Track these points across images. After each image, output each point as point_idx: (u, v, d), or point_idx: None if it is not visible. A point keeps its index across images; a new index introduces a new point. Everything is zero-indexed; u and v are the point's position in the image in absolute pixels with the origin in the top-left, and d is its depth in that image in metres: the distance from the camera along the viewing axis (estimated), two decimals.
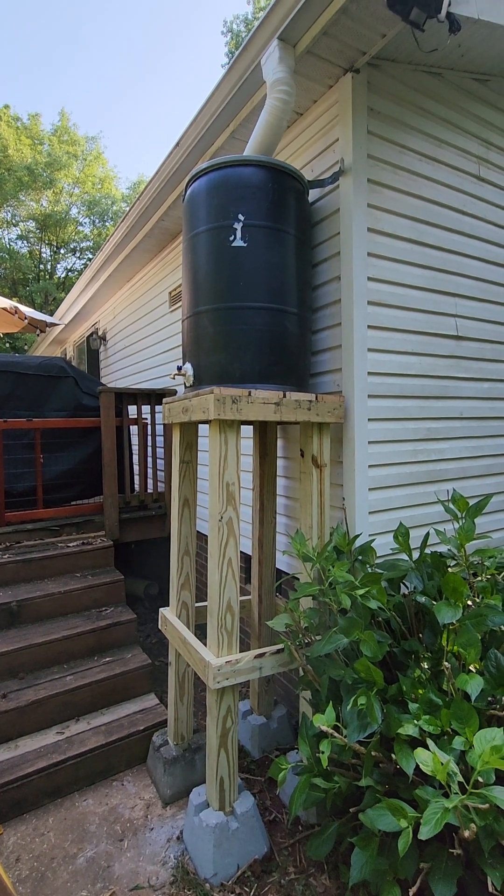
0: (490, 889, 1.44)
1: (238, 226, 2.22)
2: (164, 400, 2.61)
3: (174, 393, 4.22)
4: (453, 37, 2.32)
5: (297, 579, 2.64)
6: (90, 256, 23.02)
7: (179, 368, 2.42)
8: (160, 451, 4.73)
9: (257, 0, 20.71)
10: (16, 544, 3.77)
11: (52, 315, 10.09)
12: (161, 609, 2.73)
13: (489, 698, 1.75)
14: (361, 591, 1.87)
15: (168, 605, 3.15)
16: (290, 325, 2.30)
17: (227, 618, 2.07)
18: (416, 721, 1.60)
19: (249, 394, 2.07)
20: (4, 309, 5.08)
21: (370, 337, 2.46)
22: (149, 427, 4.59)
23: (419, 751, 1.39)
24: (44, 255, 23.25)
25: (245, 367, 2.22)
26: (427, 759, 1.37)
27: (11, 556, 3.51)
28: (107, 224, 23.00)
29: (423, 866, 1.55)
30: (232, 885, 1.98)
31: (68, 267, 23.67)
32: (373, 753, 1.68)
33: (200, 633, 2.69)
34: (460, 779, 1.39)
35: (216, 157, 2.63)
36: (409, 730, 1.56)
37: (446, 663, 1.72)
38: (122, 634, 3.31)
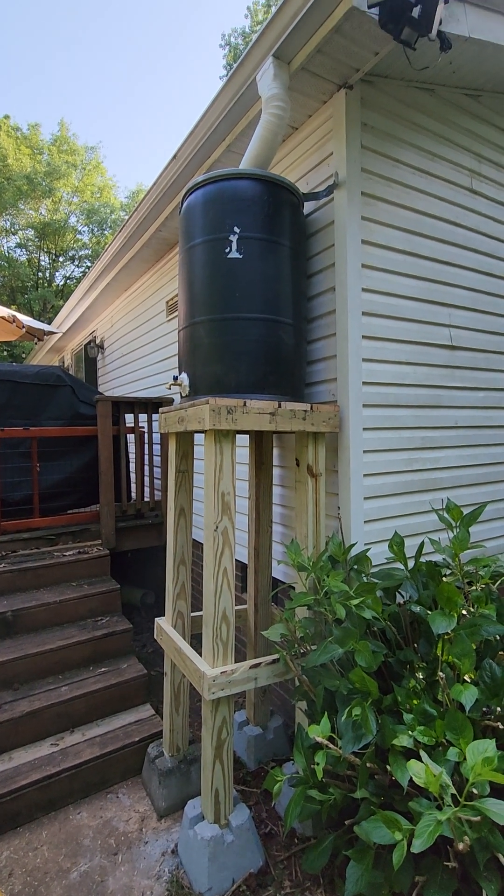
0: None
1: (234, 238, 2.24)
2: (161, 409, 2.61)
3: (171, 402, 4.23)
4: (444, 55, 2.37)
5: (294, 588, 2.64)
6: (89, 265, 23.14)
7: (175, 378, 2.43)
8: (157, 460, 4.73)
9: (255, 14, 21.07)
10: (11, 553, 3.76)
11: (50, 323, 10.10)
12: (157, 619, 2.72)
13: (483, 708, 1.75)
14: (356, 601, 1.88)
15: (164, 615, 3.14)
16: (285, 335, 2.32)
17: (222, 628, 2.07)
18: (410, 732, 1.60)
19: (245, 404, 2.08)
20: (2, 317, 5.11)
21: (365, 347, 2.49)
22: (146, 436, 4.60)
23: (412, 763, 1.39)
24: (42, 263, 23.37)
25: (240, 378, 2.24)
26: (420, 770, 1.37)
27: (7, 566, 3.49)
28: (105, 232, 23.13)
29: (419, 879, 1.54)
30: None
31: (67, 275, 23.80)
32: (368, 765, 1.67)
33: (197, 642, 2.68)
34: (453, 791, 1.38)
35: (212, 171, 2.66)
36: (403, 741, 1.56)
37: (441, 673, 1.72)
38: (118, 644, 3.29)
